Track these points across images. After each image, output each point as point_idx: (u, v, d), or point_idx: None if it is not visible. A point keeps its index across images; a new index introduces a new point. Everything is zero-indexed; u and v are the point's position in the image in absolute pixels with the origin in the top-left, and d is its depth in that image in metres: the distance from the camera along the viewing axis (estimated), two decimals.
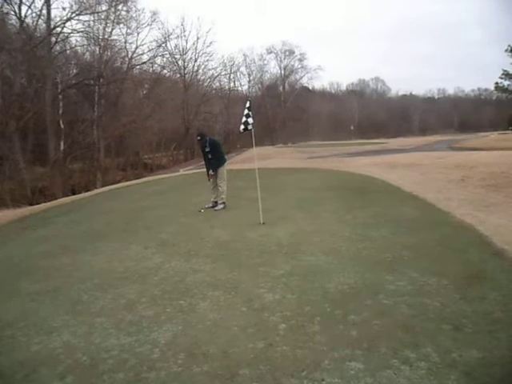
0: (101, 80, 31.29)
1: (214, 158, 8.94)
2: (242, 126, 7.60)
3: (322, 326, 3.44)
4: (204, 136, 9.05)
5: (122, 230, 7.62)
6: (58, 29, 26.87)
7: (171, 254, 5.90)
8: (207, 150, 8.96)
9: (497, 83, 60.75)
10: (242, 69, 65.58)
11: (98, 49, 32.01)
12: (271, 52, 66.43)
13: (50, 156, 26.41)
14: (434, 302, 3.73)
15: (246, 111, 7.53)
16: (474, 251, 5.10)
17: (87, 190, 20.97)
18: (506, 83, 59.53)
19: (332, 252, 5.37)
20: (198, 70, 52.20)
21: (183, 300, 4.21)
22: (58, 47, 29.89)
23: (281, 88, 68.86)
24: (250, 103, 7.68)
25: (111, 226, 8.05)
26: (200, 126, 41.10)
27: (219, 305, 4.04)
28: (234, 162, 25.88)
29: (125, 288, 4.66)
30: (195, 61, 50.92)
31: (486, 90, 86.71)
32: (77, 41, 32.27)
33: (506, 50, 57.11)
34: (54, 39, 27.60)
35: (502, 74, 58.96)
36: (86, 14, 27.18)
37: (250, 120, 7.50)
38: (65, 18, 26.32)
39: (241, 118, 7.69)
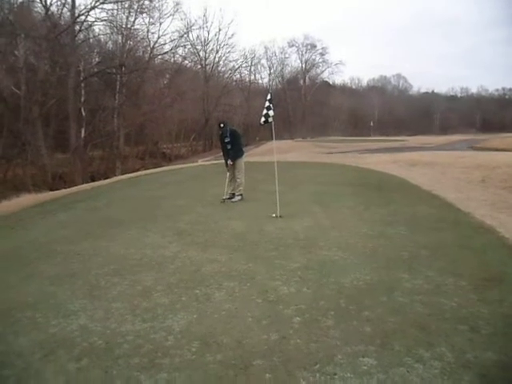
0: (123, 69, 31.50)
1: (233, 149, 8.89)
2: (263, 119, 7.59)
3: (336, 321, 3.44)
4: (226, 125, 9.00)
5: (140, 218, 7.69)
6: (82, 17, 27.18)
7: (188, 243, 5.94)
8: (227, 140, 8.88)
9: None
10: (263, 61, 65.35)
11: (120, 38, 32.28)
12: (293, 45, 66.01)
13: (71, 143, 26.77)
14: (451, 302, 3.70)
15: (266, 103, 7.52)
16: (493, 253, 5.03)
17: (106, 178, 21.20)
18: None
19: (349, 248, 5.36)
20: (219, 62, 52.24)
21: (199, 289, 4.24)
22: (81, 35, 30.20)
23: (301, 82, 68.43)
24: (271, 96, 7.67)
25: (129, 214, 8.13)
26: (220, 116, 40.99)
27: (234, 295, 4.06)
28: (253, 155, 25.86)
29: (141, 275, 4.72)
30: (216, 52, 50.98)
31: (510, 89, 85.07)
32: (100, 29, 32.64)
33: None
34: (77, 27, 27.86)
35: None
36: (110, 2, 27.36)
37: (271, 112, 7.49)
38: (89, 6, 26.58)
39: (261, 111, 7.68)
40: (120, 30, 31.63)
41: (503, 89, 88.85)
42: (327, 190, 9.76)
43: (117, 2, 28.20)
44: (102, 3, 26.21)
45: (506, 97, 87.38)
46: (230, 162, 8.86)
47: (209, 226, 6.87)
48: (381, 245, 5.44)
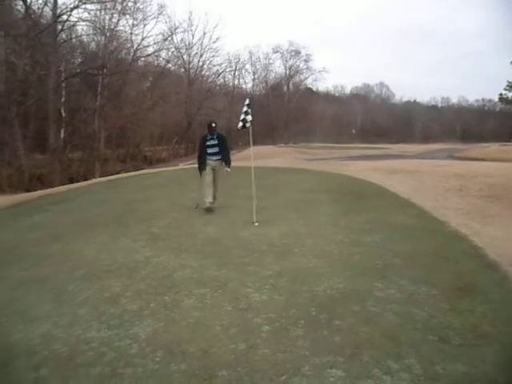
0: (104, 70, 31.14)
1: (226, 153, 8.36)
2: (241, 123, 7.53)
3: (306, 330, 3.38)
4: (217, 126, 8.47)
5: (115, 222, 7.55)
6: (64, 16, 26.70)
7: (161, 248, 5.85)
8: (213, 142, 8.22)
9: (501, 94, 61.00)
10: (248, 66, 65.32)
11: (103, 39, 31.86)
12: (277, 51, 66.12)
13: (49, 144, 26.27)
14: (422, 312, 3.67)
15: (245, 108, 7.46)
16: (466, 262, 5.04)
17: (86, 180, 20.90)
18: (510, 95, 59.70)
19: (323, 255, 5.31)
20: (203, 66, 51.97)
21: (168, 296, 4.16)
22: (63, 35, 29.79)
23: (285, 88, 68.60)
24: (250, 100, 7.62)
25: (104, 217, 7.98)
26: (203, 120, 40.73)
27: (204, 302, 3.98)
28: (235, 160, 25.81)
29: (111, 280, 4.61)
30: (200, 56, 50.70)
31: (489, 100, 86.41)
32: (83, 30, 32.18)
33: None
34: (59, 27, 27.43)
35: (507, 86, 59.20)
36: (93, 2, 27.00)
37: (249, 117, 7.44)
38: (71, 5, 26.18)
39: (239, 117, 7.61)
40: (103, 30, 31.28)
41: (483, 99, 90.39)
42: (306, 196, 9.71)
43: (100, 3, 27.86)
44: (84, 3, 25.83)
45: (486, 108, 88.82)
46: (227, 169, 8.26)
47: (184, 231, 6.77)
48: (356, 253, 5.41)
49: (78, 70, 31.04)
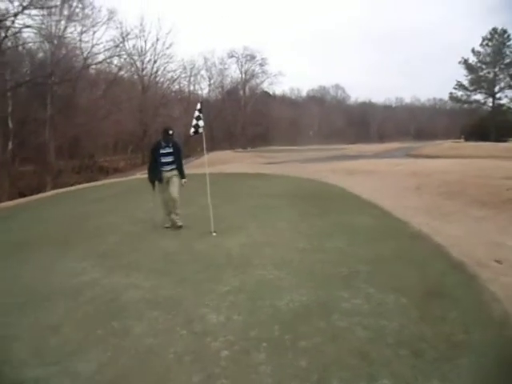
0: (52, 78, 29.92)
1: (180, 163, 7.53)
2: (192, 129, 7.13)
3: (269, 354, 3.06)
4: (174, 132, 7.54)
5: (60, 240, 6.99)
6: (7, 23, 25.47)
7: (111, 266, 5.40)
8: (167, 150, 7.35)
9: (451, 93, 62.96)
10: (203, 72, 64.61)
11: (50, 46, 30.60)
12: (232, 56, 65.89)
13: None
14: (392, 323, 3.43)
15: (196, 113, 7.10)
16: (432, 264, 4.87)
17: (38, 193, 19.91)
18: (460, 94, 61.83)
19: (284, 265, 5.01)
20: (157, 72, 51.01)
21: (117, 321, 3.75)
22: (9, 43, 28.49)
23: (241, 92, 68.44)
24: (202, 105, 7.27)
25: (48, 235, 7.41)
26: (159, 128, 39.88)
27: (156, 328, 3.60)
28: (192, 167, 25.33)
29: (52, 307, 4.14)
30: (154, 62, 49.77)
31: (440, 99, 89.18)
32: (29, 37, 30.76)
33: (460, 62, 59.49)
34: (3, 34, 26.17)
35: (456, 85, 61.23)
36: (37, 7, 25.84)
37: (201, 123, 7.08)
38: (13, 11, 24.96)
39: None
40: (49, 37, 30.03)
41: (434, 99, 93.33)
42: (264, 202, 9.42)
43: (43, 8, 26.71)
44: (26, 8, 24.62)
45: (437, 106, 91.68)
46: (184, 181, 7.46)
47: (136, 247, 6.33)
48: (319, 260, 5.14)
49: (25, 79, 29.64)
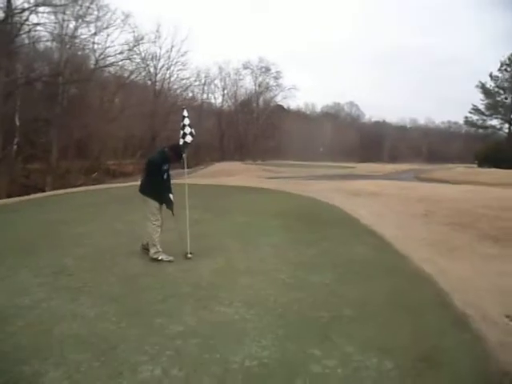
0: (62, 78, 29.62)
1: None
2: (190, 138, 6.37)
3: None
4: None
5: (26, 248, 6.32)
6: (19, 19, 25.24)
7: (61, 287, 4.70)
8: (166, 167, 6.07)
9: (466, 117, 62.07)
10: (217, 82, 64.55)
11: (62, 46, 30.32)
12: (247, 67, 65.51)
13: None
14: None
15: (187, 121, 6.41)
16: (430, 315, 4.09)
17: (41, 192, 19.36)
18: (475, 118, 60.88)
19: (256, 303, 4.25)
20: (170, 78, 50.78)
21: (30, 365, 3.05)
22: (25, 39, 28.40)
23: (254, 104, 68.05)
24: (188, 112, 6.59)
25: (16, 241, 6.74)
26: (170, 136, 39.31)
27: (73, 379, 2.87)
28: (196, 176, 24.75)
29: None
30: (167, 69, 49.60)
31: (455, 123, 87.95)
32: (41, 36, 30.53)
33: (477, 86, 58.60)
34: (15, 31, 25.98)
35: (472, 109, 60.35)
36: (50, 5, 25.59)
37: (189, 130, 6.39)
38: (27, 7, 24.71)
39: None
40: (62, 37, 29.81)
41: (448, 122, 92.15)
42: (256, 220, 8.67)
43: (58, 6, 26.42)
44: (37, 6, 24.39)
45: (451, 130, 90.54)
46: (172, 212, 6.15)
47: (100, 263, 5.62)
48: (298, 299, 4.38)
49: (35, 77, 29.36)
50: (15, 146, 28.36)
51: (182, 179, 6.98)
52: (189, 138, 6.38)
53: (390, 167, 45.35)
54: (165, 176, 6.09)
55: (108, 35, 35.82)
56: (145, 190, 6.02)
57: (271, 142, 65.02)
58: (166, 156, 6.03)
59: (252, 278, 5.03)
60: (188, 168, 6.68)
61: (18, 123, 28.23)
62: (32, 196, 14.40)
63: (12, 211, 10.19)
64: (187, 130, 6.45)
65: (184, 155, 6.30)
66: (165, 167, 6.05)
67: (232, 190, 14.31)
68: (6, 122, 26.71)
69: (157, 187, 5.97)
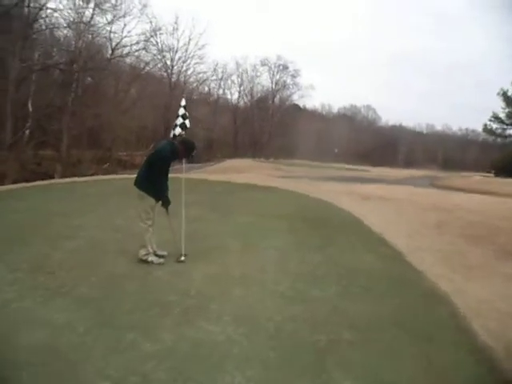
0: (77, 66, 29.39)
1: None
2: (178, 129, 5.94)
3: None
4: None
5: (16, 238, 5.99)
6: (36, 4, 25.05)
7: (36, 286, 4.29)
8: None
9: (485, 125, 60.73)
10: (234, 77, 64.15)
11: (79, 34, 30.04)
12: (265, 64, 65.04)
13: (5, 139, 24.19)
14: None
15: (182, 111, 5.99)
16: (444, 343, 3.58)
17: (51, 179, 19.13)
18: (495, 126, 59.56)
19: (247, 320, 3.76)
20: (186, 71, 50.45)
21: None
22: (43, 26, 28.24)
23: (270, 102, 67.47)
24: (186, 101, 6.14)
25: (8, 230, 6.45)
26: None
27: None
28: (206, 172, 24.31)
29: None
30: (184, 62, 49.26)
31: (473, 130, 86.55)
32: (58, 23, 30.31)
33: (498, 94, 57.25)
34: (31, 17, 25.80)
35: (492, 117, 59.00)
36: None
37: (188, 123, 5.95)
38: None
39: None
40: (79, 25, 29.56)
41: (466, 129, 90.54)
42: (259, 221, 8.18)
43: None
44: None
45: (468, 137, 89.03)
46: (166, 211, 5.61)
47: (86, 260, 5.22)
48: (294, 317, 3.89)
49: (50, 64, 29.17)
50: (27, 131, 28.22)
51: (179, 173, 6.44)
52: (177, 130, 5.91)
53: (404, 172, 44.63)
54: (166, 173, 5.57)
55: (125, 25, 35.58)
56: (142, 184, 5.44)
57: (285, 141, 64.42)
58: (175, 149, 5.48)
59: (247, 289, 4.55)
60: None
61: (30, 109, 28.05)
62: (37, 183, 14.09)
63: (11, 197, 9.87)
64: (179, 120, 6.00)
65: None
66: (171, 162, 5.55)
67: (239, 187, 13.84)
68: (19, 108, 26.51)
69: (157, 183, 5.42)
